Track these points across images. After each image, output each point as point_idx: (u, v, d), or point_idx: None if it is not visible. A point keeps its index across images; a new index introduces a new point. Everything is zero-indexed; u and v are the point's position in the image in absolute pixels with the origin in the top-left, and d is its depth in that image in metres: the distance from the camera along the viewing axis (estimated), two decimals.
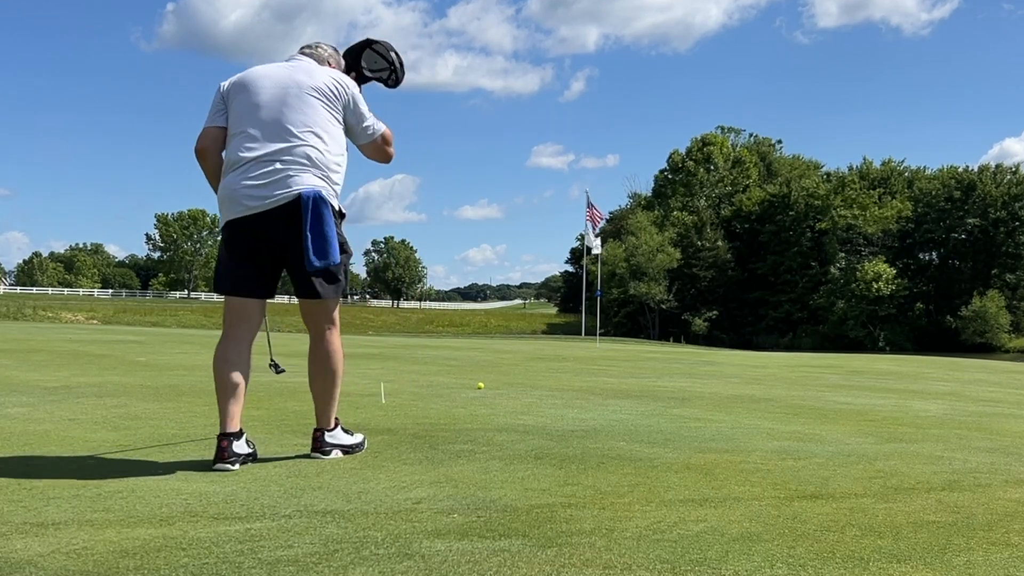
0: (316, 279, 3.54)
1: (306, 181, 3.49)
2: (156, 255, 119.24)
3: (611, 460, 3.83)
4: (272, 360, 4.13)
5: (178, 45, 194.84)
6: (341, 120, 3.69)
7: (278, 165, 3.49)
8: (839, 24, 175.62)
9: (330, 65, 3.82)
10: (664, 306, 67.62)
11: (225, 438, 3.45)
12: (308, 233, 3.41)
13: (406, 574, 2.15)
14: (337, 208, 3.61)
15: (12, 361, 9.24)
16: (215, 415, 5.14)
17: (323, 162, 3.57)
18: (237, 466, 3.44)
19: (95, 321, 41.78)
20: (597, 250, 41.70)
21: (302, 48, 3.88)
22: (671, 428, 5.03)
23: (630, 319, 69.70)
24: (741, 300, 71.75)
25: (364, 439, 3.92)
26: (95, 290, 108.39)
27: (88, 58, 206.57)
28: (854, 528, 2.70)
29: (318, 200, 3.46)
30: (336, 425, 3.79)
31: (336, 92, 3.65)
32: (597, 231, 40.56)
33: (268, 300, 3.70)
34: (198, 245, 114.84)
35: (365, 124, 3.75)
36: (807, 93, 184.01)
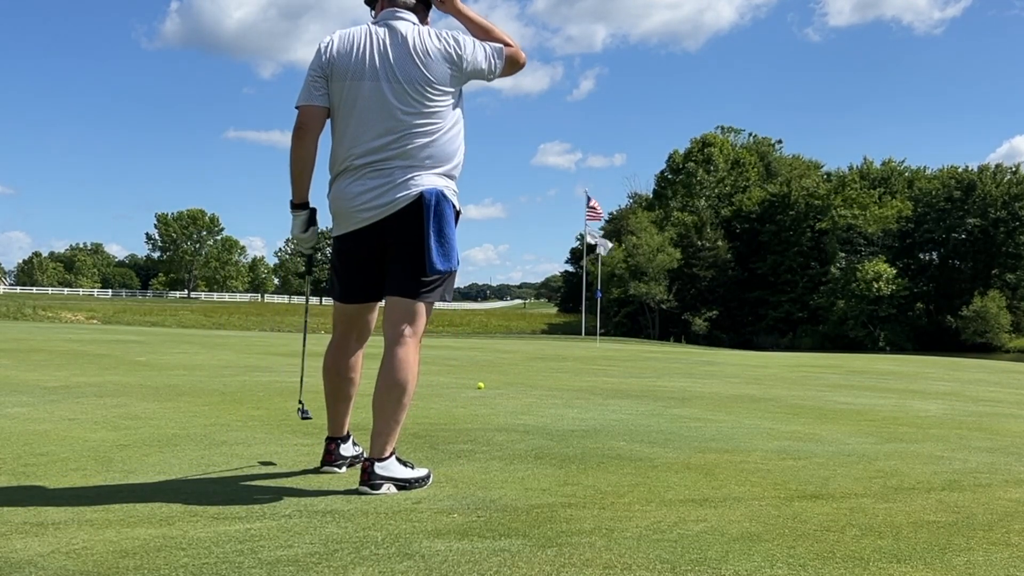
0: (422, 279, 3.22)
1: (427, 181, 3.18)
2: (156, 255, 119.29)
3: (611, 460, 3.83)
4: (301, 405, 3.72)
5: (181, 43, 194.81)
6: (458, 87, 3.30)
7: (398, 164, 3.18)
8: (851, 23, 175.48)
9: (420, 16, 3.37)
10: (664, 306, 67.55)
11: (332, 441, 3.50)
12: (431, 232, 3.15)
13: (406, 574, 2.15)
14: (457, 208, 3.30)
15: (12, 361, 9.24)
16: (215, 415, 5.17)
17: (442, 154, 3.23)
18: (344, 469, 3.48)
19: (95, 321, 41.75)
20: (604, 251, 41.49)
21: None
22: (671, 428, 5.03)
23: (630, 319, 69.61)
24: (741, 300, 71.66)
25: (429, 474, 3.28)
26: (95, 290, 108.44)
27: (90, 56, 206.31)
28: (854, 528, 2.70)
29: (440, 199, 3.18)
30: (391, 455, 3.16)
31: (448, 55, 3.23)
32: (598, 230, 40.53)
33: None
34: (198, 245, 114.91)
35: (486, 65, 3.32)
36: (816, 92, 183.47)
